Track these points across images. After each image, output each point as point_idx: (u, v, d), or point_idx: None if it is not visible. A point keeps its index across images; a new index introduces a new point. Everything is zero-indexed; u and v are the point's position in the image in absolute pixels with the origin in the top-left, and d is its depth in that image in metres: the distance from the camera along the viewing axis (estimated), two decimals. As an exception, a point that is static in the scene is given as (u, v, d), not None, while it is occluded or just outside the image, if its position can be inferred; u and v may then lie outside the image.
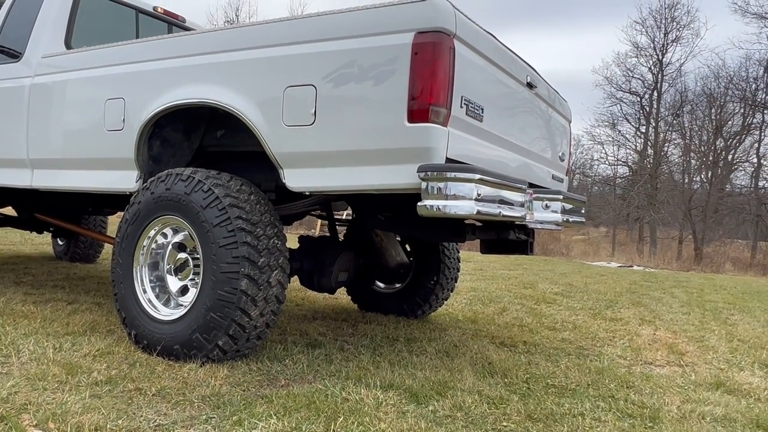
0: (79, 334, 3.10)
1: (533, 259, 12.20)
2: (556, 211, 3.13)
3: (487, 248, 3.68)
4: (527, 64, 3.19)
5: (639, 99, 25.90)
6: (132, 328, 2.89)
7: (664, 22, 24.65)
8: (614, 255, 19.79)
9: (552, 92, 3.60)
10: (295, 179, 2.69)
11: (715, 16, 32.32)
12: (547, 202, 3.11)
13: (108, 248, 6.85)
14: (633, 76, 25.74)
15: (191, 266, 2.91)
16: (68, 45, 3.83)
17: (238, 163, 3.20)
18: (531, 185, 3.06)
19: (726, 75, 24.03)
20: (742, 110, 23.67)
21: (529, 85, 3.18)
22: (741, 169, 24.71)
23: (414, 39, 2.34)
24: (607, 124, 27.40)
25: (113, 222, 6.88)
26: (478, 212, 2.29)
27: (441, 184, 2.25)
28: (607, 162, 29.13)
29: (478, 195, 2.28)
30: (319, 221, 14.16)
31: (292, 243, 3.47)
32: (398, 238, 4.32)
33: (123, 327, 2.98)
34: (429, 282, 4.34)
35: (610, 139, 28.86)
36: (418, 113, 2.33)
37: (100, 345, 2.88)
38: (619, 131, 26.75)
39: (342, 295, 4.94)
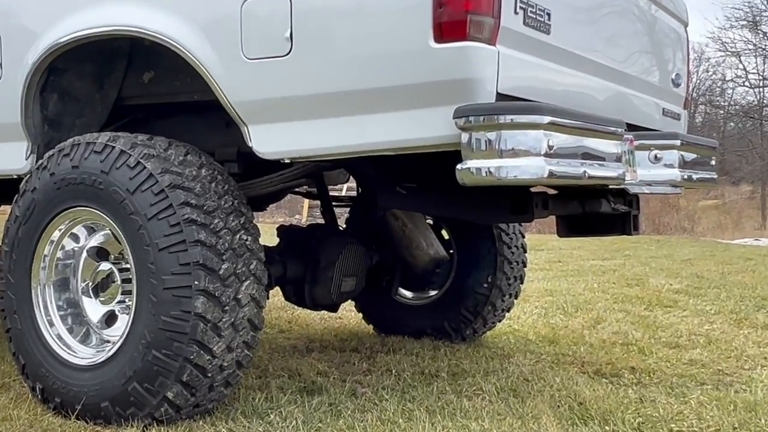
0: (-43, 394, 3.15)
1: (639, 241, 12.15)
2: (671, 165, 3.14)
3: (567, 229, 3.68)
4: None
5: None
6: (36, 379, 2.91)
7: None
8: (766, 227, 19.65)
9: (656, -20, 3.55)
10: (266, 141, 2.69)
11: None
12: (656, 151, 3.11)
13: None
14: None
15: (119, 282, 2.93)
16: None
17: (179, 121, 3.22)
18: (630, 127, 3.03)
19: None
20: None
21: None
22: None
23: None
24: (744, 23, 27.04)
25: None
26: (551, 174, 2.28)
27: (491, 135, 2.24)
28: (747, 83, 28.82)
29: (550, 147, 2.27)
30: (307, 202, 14.25)
31: (270, 238, 3.48)
32: (429, 222, 4.32)
33: (22, 378, 3.01)
34: (481, 285, 4.34)
35: (751, 46, 28.45)
36: (449, 27, 2.31)
37: (-11, 408, 2.93)
38: (765, 33, 26.41)
39: (348, 312, 4.96)
